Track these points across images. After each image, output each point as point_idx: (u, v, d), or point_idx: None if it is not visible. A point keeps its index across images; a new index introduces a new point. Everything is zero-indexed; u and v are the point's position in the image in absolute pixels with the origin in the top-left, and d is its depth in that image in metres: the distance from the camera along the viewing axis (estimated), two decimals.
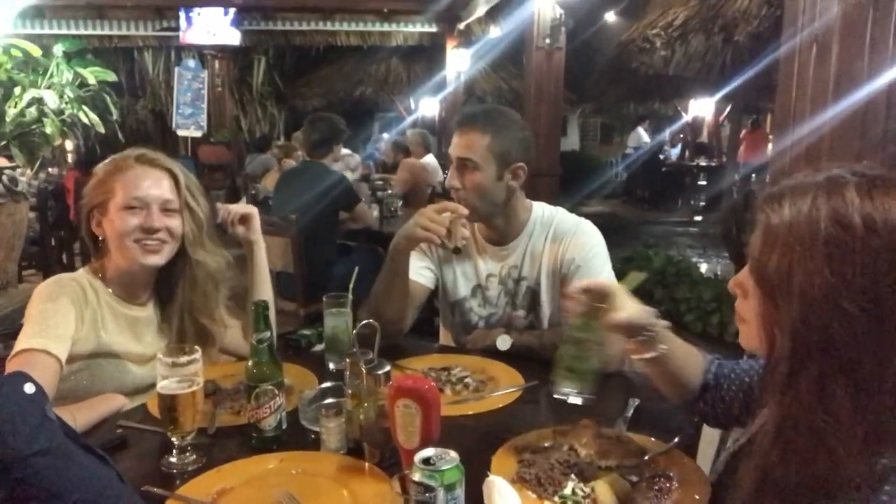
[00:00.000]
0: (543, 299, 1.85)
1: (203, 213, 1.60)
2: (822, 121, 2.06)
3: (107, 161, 1.58)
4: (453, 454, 0.94)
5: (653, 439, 1.27)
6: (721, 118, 13.31)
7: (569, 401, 1.29)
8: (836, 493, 0.76)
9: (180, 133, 9.52)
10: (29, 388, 0.85)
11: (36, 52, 3.17)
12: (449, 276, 1.93)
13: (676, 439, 1.25)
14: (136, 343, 1.57)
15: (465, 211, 1.70)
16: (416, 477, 0.91)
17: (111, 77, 3.63)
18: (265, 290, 1.74)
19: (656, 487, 1.12)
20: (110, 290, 1.56)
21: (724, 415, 1.23)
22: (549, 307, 1.85)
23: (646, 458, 1.19)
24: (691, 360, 1.26)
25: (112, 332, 1.52)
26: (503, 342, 1.77)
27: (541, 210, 1.91)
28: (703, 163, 12.78)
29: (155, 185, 1.53)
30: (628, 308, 1.19)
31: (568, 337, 1.24)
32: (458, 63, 8.96)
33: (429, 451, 0.95)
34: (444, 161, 7.02)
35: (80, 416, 1.34)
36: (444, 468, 0.91)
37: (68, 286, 1.48)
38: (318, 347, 1.80)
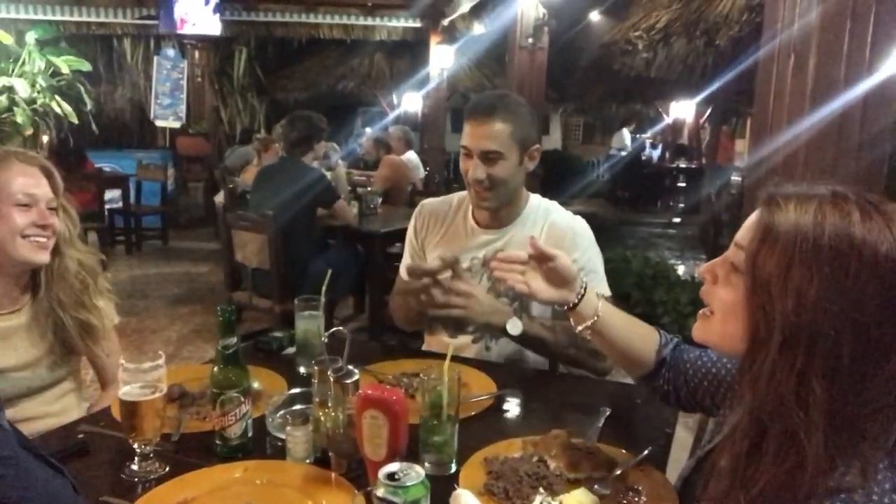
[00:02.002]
0: None
1: (74, 212, 1.65)
2: (799, 130, 2.07)
3: None
4: (419, 469, 0.93)
5: (623, 451, 1.27)
6: (702, 121, 13.41)
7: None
8: (801, 499, 0.76)
9: (158, 123, 9.36)
10: None
11: (7, 39, 3.09)
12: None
13: (647, 451, 1.25)
14: (11, 353, 1.54)
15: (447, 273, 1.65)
16: (380, 493, 0.89)
17: (86, 67, 3.54)
18: None
19: (625, 502, 1.11)
20: None
21: (687, 398, 1.26)
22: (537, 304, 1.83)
23: (616, 472, 1.19)
24: (639, 332, 1.31)
25: None
26: (514, 326, 1.66)
27: (537, 201, 1.92)
28: (682, 164, 12.88)
29: (39, 182, 1.53)
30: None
31: (424, 410, 1.21)
32: (442, 59, 8.91)
33: (394, 466, 0.93)
34: (425, 157, 6.98)
35: None
36: (408, 484, 0.89)
37: None
38: (290, 350, 1.77)
